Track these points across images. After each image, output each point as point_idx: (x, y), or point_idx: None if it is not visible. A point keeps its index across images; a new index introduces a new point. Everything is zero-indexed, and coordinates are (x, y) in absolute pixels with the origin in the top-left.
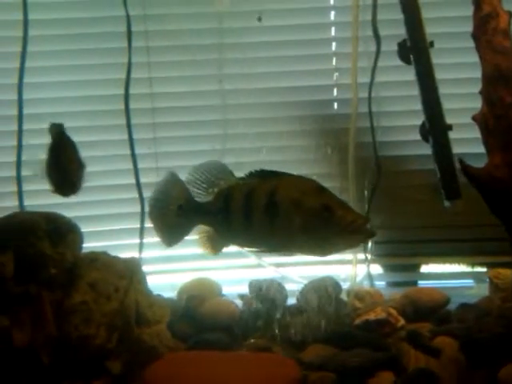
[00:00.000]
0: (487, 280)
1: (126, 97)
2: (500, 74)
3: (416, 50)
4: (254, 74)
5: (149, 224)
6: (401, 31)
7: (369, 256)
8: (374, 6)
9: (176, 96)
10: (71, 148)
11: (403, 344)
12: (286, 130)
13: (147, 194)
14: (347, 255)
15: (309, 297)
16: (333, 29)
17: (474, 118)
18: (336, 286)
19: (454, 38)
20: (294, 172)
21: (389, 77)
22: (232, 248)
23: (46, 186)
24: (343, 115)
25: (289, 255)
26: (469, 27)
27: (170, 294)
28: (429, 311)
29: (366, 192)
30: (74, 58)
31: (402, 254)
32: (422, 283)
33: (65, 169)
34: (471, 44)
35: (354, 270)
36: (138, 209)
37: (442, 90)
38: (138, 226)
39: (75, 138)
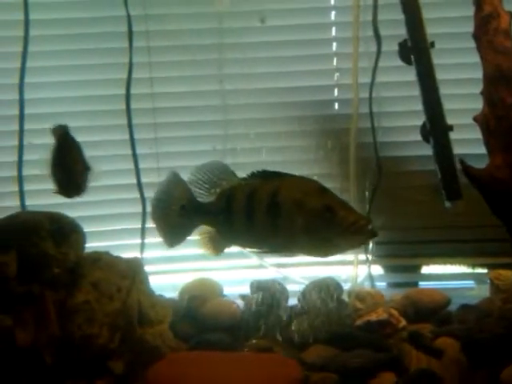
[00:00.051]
0: (488, 281)
1: (127, 97)
2: (501, 75)
3: (417, 50)
4: (255, 74)
5: (150, 224)
6: (401, 31)
7: (370, 257)
8: (375, 7)
9: (177, 96)
10: (76, 149)
11: (405, 345)
12: (287, 130)
13: (148, 194)
14: (348, 256)
15: (310, 297)
16: (333, 29)
17: (475, 119)
18: (337, 286)
19: (454, 39)
20: (295, 172)
21: (389, 77)
22: (233, 248)
23: (47, 185)
24: (344, 115)
25: (291, 256)
26: (469, 27)
27: (172, 294)
28: (430, 312)
29: (366, 193)
30: (75, 58)
31: (403, 254)
32: (422, 284)
33: (70, 170)
34: (472, 44)
35: (355, 270)
36: (139, 209)
37: (443, 91)
38: (139, 226)
39: (76, 138)
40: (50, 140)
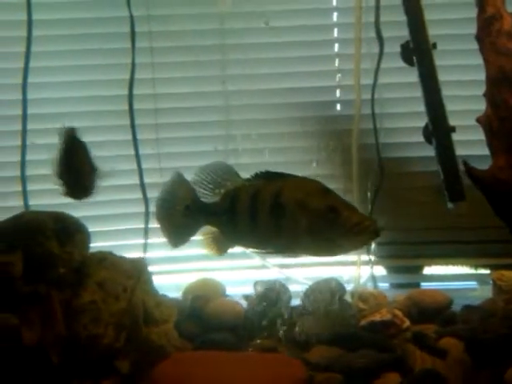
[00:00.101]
0: (490, 282)
1: (130, 97)
2: (504, 76)
3: (419, 51)
4: (257, 75)
5: (153, 224)
6: (404, 33)
7: (372, 257)
8: (377, 8)
9: (179, 97)
10: (84, 151)
11: (409, 345)
12: (289, 131)
13: (151, 194)
14: (351, 257)
15: (313, 298)
16: (335, 30)
17: (478, 120)
18: (340, 287)
19: (456, 40)
20: (298, 173)
21: (392, 78)
22: (236, 249)
23: (51, 185)
24: (346, 116)
25: (294, 256)
26: (472, 29)
27: (174, 294)
28: (433, 313)
29: (369, 193)
30: (78, 59)
31: (406, 255)
32: (425, 285)
33: (78, 172)
34: (474, 46)
35: (357, 271)
36: (141, 209)
37: (446, 92)
38: (142, 226)
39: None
40: (53, 140)
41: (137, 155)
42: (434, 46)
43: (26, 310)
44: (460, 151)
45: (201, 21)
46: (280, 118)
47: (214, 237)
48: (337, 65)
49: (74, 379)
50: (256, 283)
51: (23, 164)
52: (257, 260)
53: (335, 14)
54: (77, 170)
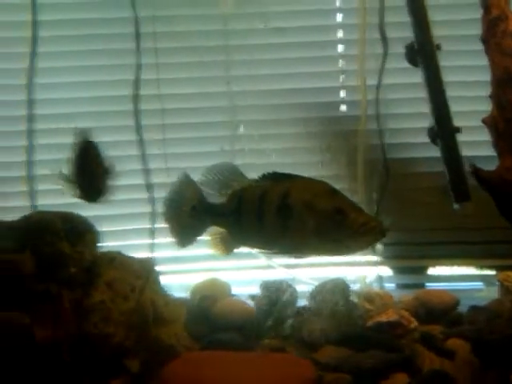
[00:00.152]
0: (497, 283)
1: (136, 98)
2: (509, 77)
3: (423, 52)
4: (262, 76)
5: (160, 224)
6: (408, 34)
7: (378, 258)
8: (381, 9)
9: (184, 97)
10: (97, 154)
11: (417, 345)
12: (294, 131)
13: (158, 194)
14: (357, 257)
15: (320, 298)
16: (339, 31)
17: (484, 121)
18: (346, 287)
19: (461, 41)
20: (303, 174)
21: (396, 79)
22: (243, 249)
23: (57, 185)
24: (350, 117)
25: (301, 257)
26: (477, 30)
27: (181, 294)
28: (440, 313)
29: (374, 194)
30: (83, 59)
31: (411, 256)
32: (430, 285)
33: (92, 175)
34: (479, 47)
35: (363, 271)
36: (147, 209)
37: (451, 93)
38: (148, 226)
39: None
40: (58, 140)
41: (143, 155)
42: (439, 47)
43: (38, 308)
44: (467, 152)
45: (205, 22)
46: (286, 119)
47: (221, 237)
48: (340, 65)
49: (85, 378)
50: (262, 283)
51: (30, 164)
52: (263, 260)
53: (339, 15)
54: (91, 172)
